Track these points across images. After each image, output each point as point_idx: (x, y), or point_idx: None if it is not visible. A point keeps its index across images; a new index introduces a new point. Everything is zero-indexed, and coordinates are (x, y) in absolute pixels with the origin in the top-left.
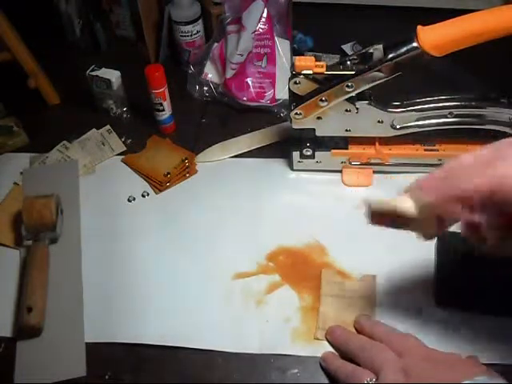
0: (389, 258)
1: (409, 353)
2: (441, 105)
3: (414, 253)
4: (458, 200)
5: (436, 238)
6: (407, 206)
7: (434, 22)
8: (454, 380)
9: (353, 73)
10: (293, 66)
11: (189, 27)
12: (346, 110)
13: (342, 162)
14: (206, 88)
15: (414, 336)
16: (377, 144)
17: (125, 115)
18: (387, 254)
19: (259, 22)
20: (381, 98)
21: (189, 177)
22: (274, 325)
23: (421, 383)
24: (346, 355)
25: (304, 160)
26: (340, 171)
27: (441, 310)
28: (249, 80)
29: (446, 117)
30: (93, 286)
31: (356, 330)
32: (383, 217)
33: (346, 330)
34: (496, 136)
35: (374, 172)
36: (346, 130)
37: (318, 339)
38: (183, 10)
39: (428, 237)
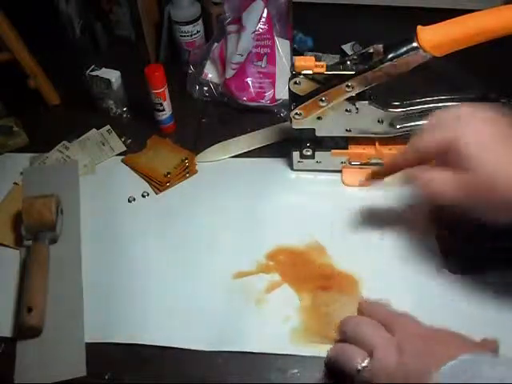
0: (389, 257)
1: (401, 330)
2: (441, 105)
3: (414, 252)
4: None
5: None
6: None
7: (434, 22)
8: (448, 355)
9: (353, 73)
10: (293, 66)
11: (189, 27)
12: (346, 110)
13: (342, 162)
14: (205, 88)
15: (408, 314)
16: (377, 144)
17: (125, 115)
18: (387, 253)
19: (259, 21)
20: (381, 98)
21: (189, 177)
22: (274, 324)
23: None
24: (343, 338)
25: (304, 160)
26: (340, 171)
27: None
28: (249, 80)
29: None
30: (93, 286)
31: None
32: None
33: (349, 317)
34: None
35: None
36: (346, 130)
37: None
38: (183, 10)
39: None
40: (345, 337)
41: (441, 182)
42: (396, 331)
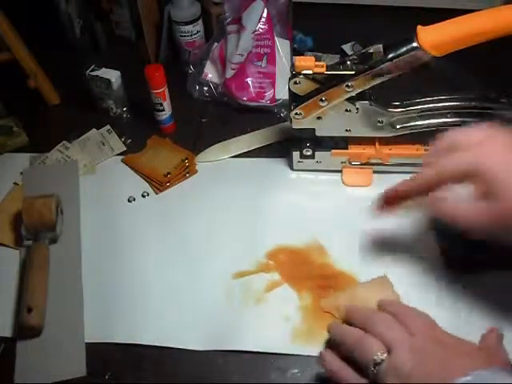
0: (389, 257)
1: (421, 333)
2: (441, 105)
3: (414, 252)
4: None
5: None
6: None
7: (434, 22)
8: (464, 368)
9: (353, 73)
10: (293, 66)
11: (189, 27)
12: (346, 110)
13: (342, 162)
14: (205, 88)
15: (428, 316)
16: (377, 144)
17: (125, 115)
18: (387, 253)
19: (259, 21)
20: (381, 98)
21: (189, 177)
22: (274, 324)
23: (425, 367)
24: (354, 325)
25: (304, 160)
26: (340, 171)
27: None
28: (249, 80)
29: (445, 117)
30: (93, 286)
31: None
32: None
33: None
34: None
35: (374, 172)
36: (346, 130)
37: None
38: (183, 10)
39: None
40: (354, 322)
41: (465, 207)
42: (414, 332)
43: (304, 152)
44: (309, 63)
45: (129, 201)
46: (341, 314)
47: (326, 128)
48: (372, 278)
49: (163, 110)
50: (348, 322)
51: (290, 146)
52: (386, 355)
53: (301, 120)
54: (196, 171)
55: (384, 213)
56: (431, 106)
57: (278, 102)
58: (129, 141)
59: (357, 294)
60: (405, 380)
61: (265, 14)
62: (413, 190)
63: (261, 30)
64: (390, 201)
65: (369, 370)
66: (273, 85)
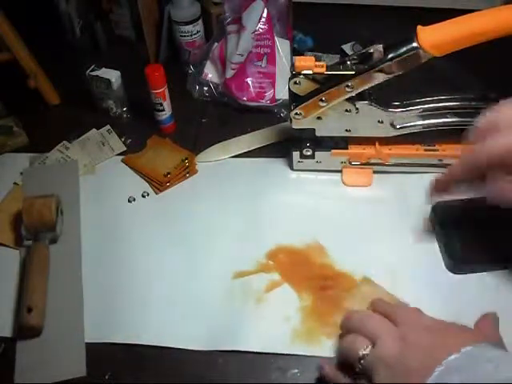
0: (389, 257)
1: (407, 322)
2: (441, 105)
3: (414, 252)
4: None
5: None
6: None
7: (434, 22)
8: (452, 348)
9: (353, 73)
10: (293, 66)
11: (189, 27)
12: (346, 110)
13: (342, 162)
14: (205, 88)
15: (417, 308)
16: (377, 144)
17: (125, 115)
18: (387, 253)
19: (259, 21)
20: (381, 98)
21: (189, 177)
22: (274, 324)
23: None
24: (346, 332)
25: (304, 160)
26: (340, 171)
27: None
28: (249, 80)
29: (445, 117)
30: (93, 286)
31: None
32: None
33: (354, 311)
34: None
35: (374, 172)
36: (346, 130)
37: None
38: (183, 10)
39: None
40: (348, 330)
41: None
42: (400, 323)
43: (304, 152)
44: (309, 63)
45: (129, 201)
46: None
47: (326, 128)
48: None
49: (163, 110)
50: (346, 330)
51: (289, 145)
52: (369, 348)
53: (301, 120)
54: (196, 171)
55: (439, 196)
56: (431, 105)
57: (278, 101)
58: (129, 141)
59: (348, 307)
60: (391, 369)
61: (265, 14)
62: (455, 176)
63: (261, 30)
64: (442, 186)
65: (356, 368)
66: (273, 85)
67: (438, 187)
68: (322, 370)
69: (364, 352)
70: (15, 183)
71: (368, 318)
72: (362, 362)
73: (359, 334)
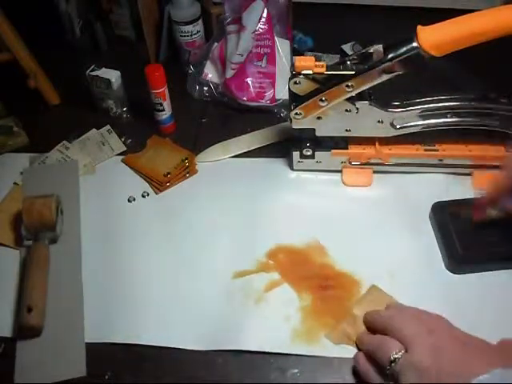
0: (389, 257)
1: (440, 330)
2: (441, 105)
3: (414, 251)
4: None
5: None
6: None
7: (434, 22)
8: (482, 367)
9: (353, 73)
10: (293, 66)
11: (189, 27)
12: (346, 110)
13: (342, 162)
14: (205, 88)
15: (444, 318)
16: (377, 144)
17: (125, 115)
18: (387, 253)
19: (259, 21)
20: (381, 98)
21: (189, 177)
22: (274, 324)
23: (447, 364)
24: (376, 329)
25: (304, 160)
26: (340, 171)
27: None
28: (249, 80)
29: (445, 117)
30: (93, 286)
31: None
32: None
33: (381, 311)
34: (495, 136)
35: (374, 172)
36: (346, 130)
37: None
38: (183, 10)
39: None
40: (378, 327)
41: None
42: (434, 331)
43: (304, 152)
44: (309, 63)
45: (129, 201)
46: (353, 340)
47: (326, 128)
48: (364, 292)
49: (163, 110)
50: (371, 328)
51: (290, 145)
52: (402, 352)
53: (301, 120)
54: (196, 171)
55: (484, 217)
56: (431, 105)
57: (278, 101)
58: (129, 141)
59: (357, 315)
60: (422, 377)
61: (265, 14)
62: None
63: (261, 30)
64: (491, 202)
65: (385, 370)
66: (273, 85)
67: (487, 202)
68: (357, 364)
69: (395, 356)
70: (15, 183)
71: (399, 315)
72: (392, 364)
73: (389, 332)
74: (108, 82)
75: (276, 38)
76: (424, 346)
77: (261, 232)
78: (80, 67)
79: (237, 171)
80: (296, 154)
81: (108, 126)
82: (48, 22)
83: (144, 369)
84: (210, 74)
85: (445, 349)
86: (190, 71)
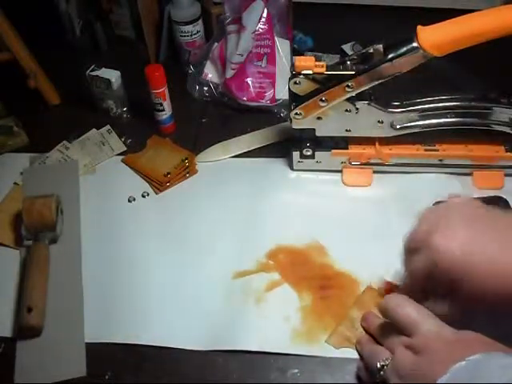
0: (389, 257)
1: (420, 333)
2: (441, 105)
3: None
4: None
5: None
6: None
7: (434, 22)
8: (462, 357)
9: (353, 73)
10: (293, 66)
11: (189, 27)
12: (346, 110)
13: (342, 162)
14: (205, 88)
15: (432, 315)
16: (377, 144)
17: (125, 115)
18: (387, 253)
19: (259, 21)
20: (381, 98)
21: (189, 177)
22: (274, 324)
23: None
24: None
25: (304, 160)
26: (340, 171)
27: None
28: (249, 80)
29: (445, 117)
30: (93, 286)
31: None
32: None
33: (373, 314)
34: (495, 135)
35: (374, 172)
36: (346, 130)
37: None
38: (183, 10)
39: None
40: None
41: None
42: (414, 332)
43: (304, 152)
44: (309, 63)
45: (129, 201)
46: (353, 342)
47: (326, 128)
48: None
49: (163, 110)
50: (368, 332)
51: (290, 145)
52: (389, 360)
53: (301, 120)
54: (196, 171)
55: None
56: (431, 105)
57: (278, 101)
58: (129, 141)
59: (354, 317)
60: (404, 379)
61: (265, 14)
62: None
63: (261, 30)
64: None
65: (375, 378)
66: (273, 85)
67: None
68: (359, 371)
69: (382, 363)
70: (15, 183)
71: (385, 326)
72: (381, 372)
73: (380, 342)
74: (108, 81)
75: (276, 38)
76: (404, 351)
77: (261, 232)
78: (80, 67)
79: (237, 171)
80: (296, 154)
81: (108, 126)
82: (48, 22)
83: (144, 369)
84: (210, 73)
85: (426, 348)
86: (190, 71)
